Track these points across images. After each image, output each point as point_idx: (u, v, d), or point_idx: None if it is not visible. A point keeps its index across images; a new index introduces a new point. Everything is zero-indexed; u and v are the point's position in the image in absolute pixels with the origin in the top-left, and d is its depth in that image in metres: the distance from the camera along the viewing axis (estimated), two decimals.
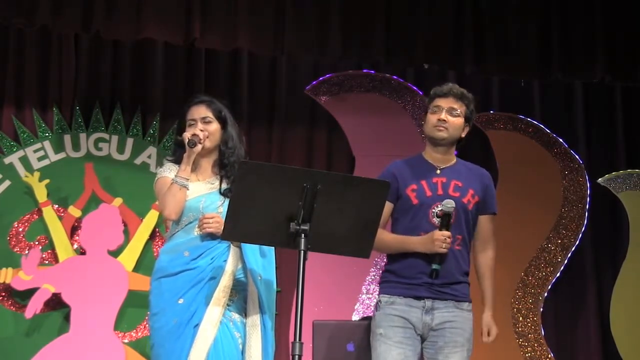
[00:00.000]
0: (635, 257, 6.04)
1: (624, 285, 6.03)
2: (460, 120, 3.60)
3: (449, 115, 3.58)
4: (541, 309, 6.00)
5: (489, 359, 5.87)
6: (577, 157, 6.20)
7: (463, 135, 3.65)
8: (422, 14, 5.56)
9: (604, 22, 5.73)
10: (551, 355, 5.91)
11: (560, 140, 6.21)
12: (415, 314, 3.51)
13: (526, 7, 5.71)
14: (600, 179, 6.14)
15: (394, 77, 6.15)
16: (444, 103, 3.60)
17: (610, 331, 6.00)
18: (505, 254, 6.01)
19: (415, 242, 3.53)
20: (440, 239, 3.43)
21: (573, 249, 6.09)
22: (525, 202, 6.08)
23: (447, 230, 3.47)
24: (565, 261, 6.08)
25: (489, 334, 3.70)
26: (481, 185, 3.65)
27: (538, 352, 5.90)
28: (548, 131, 6.22)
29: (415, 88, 6.16)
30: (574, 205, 6.14)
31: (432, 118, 3.61)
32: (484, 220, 3.67)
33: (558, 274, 6.06)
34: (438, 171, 3.64)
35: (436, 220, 3.53)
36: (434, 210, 3.56)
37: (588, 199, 6.15)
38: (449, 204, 3.48)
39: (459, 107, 3.60)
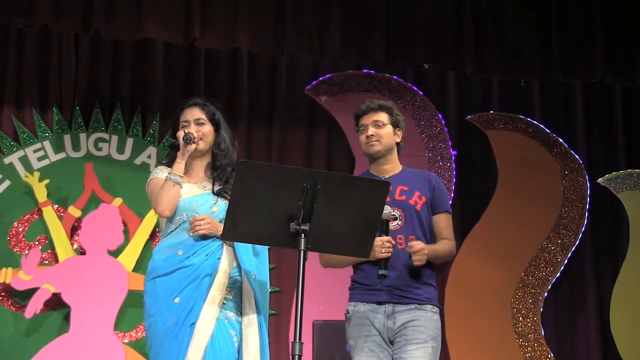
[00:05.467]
0: (635, 257, 6.04)
1: (624, 285, 6.03)
2: (387, 129, 3.72)
3: (374, 129, 3.70)
4: (541, 309, 6.00)
5: (489, 359, 5.88)
6: (577, 157, 6.19)
7: (398, 140, 3.76)
8: (422, 14, 5.56)
9: (604, 22, 5.73)
10: (551, 355, 5.90)
11: (560, 140, 6.20)
12: (378, 319, 3.56)
13: (526, 7, 5.71)
14: (600, 179, 6.14)
15: (394, 77, 6.15)
16: (366, 120, 3.73)
17: (610, 331, 6.00)
18: (505, 254, 6.04)
19: None
20: (378, 245, 3.45)
21: (573, 249, 6.09)
22: (525, 202, 6.08)
23: (386, 235, 3.51)
24: (565, 261, 6.08)
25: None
26: (428, 186, 3.71)
27: (538, 352, 5.89)
28: (548, 131, 6.22)
29: (415, 88, 6.15)
30: (574, 205, 6.14)
31: (361, 138, 3.75)
32: (437, 220, 3.72)
33: (558, 274, 6.06)
34: None
35: None
36: None
37: (588, 199, 6.15)
38: (384, 210, 3.49)
39: (382, 117, 3.72)
